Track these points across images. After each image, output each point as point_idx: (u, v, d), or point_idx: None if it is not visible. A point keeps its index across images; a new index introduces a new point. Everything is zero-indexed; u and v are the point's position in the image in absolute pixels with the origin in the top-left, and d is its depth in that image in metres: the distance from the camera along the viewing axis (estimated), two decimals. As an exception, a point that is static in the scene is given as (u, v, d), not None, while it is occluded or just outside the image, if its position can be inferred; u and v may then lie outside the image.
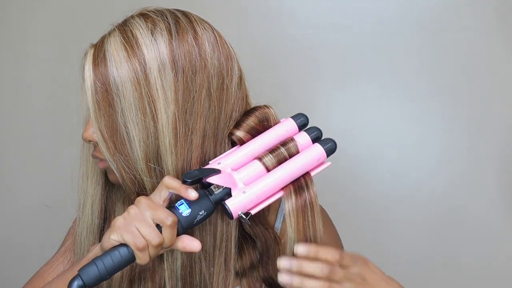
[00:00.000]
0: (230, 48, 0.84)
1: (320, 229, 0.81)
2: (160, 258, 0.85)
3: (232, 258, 0.84)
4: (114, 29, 0.82)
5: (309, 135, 0.83)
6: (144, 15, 0.82)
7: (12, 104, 1.87)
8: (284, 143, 0.82)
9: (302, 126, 0.84)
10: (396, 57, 1.69)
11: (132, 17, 0.83)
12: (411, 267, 1.71)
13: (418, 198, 1.70)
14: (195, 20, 0.83)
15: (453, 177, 1.69)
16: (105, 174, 0.89)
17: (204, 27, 0.82)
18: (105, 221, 0.92)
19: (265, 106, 0.85)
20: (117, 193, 0.91)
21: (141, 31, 0.79)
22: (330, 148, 0.83)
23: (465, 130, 1.68)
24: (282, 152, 0.81)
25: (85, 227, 0.90)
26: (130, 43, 0.79)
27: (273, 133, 0.83)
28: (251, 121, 0.83)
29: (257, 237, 0.87)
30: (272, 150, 0.81)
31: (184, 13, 0.83)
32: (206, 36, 0.81)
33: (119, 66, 0.78)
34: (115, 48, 0.79)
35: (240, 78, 0.85)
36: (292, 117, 0.85)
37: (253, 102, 0.88)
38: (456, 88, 1.67)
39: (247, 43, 1.74)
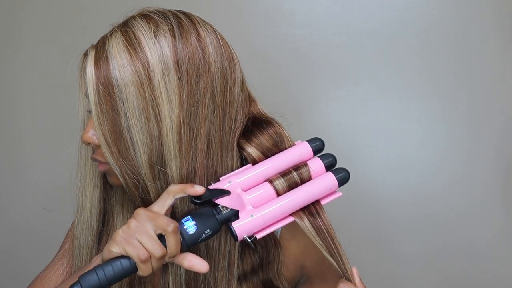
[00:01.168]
0: (232, 50, 0.83)
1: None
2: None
3: (235, 263, 0.84)
4: (115, 30, 0.79)
5: (323, 161, 0.81)
6: (145, 16, 0.80)
7: (8, 107, 1.87)
8: (296, 168, 0.80)
9: (317, 151, 0.83)
10: (396, 57, 1.69)
11: (133, 17, 0.80)
12: (410, 266, 1.71)
13: (417, 198, 1.70)
14: (198, 22, 0.81)
15: (453, 177, 1.69)
16: (104, 176, 0.88)
17: (207, 29, 0.81)
18: (103, 224, 0.91)
19: (279, 125, 0.84)
20: (116, 195, 0.89)
21: (143, 33, 0.77)
22: (343, 178, 0.81)
23: (465, 130, 1.68)
24: (294, 176, 0.79)
25: (84, 230, 0.89)
26: (133, 45, 0.76)
27: (287, 155, 0.81)
28: (265, 140, 0.82)
29: (258, 241, 0.85)
30: (284, 174, 0.79)
31: (186, 15, 0.81)
32: (209, 39, 0.80)
33: (122, 69, 0.76)
34: (117, 50, 0.76)
35: (242, 80, 0.83)
36: (308, 141, 0.83)
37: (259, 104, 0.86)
38: (456, 88, 1.67)
39: (247, 43, 1.74)
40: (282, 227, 0.90)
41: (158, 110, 0.76)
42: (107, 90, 0.76)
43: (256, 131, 0.82)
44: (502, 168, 1.66)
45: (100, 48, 0.78)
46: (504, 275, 1.67)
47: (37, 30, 1.82)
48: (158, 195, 0.79)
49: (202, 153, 0.79)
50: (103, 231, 0.90)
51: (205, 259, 0.77)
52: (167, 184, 0.79)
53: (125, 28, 0.79)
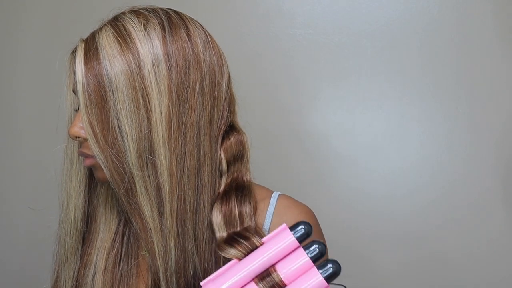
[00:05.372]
0: (220, 49, 0.85)
1: None
2: (152, 255, 0.84)
3: (221, 257, 0.84)
4: (106, 24, 0.82)
5: (308, 254, 0.71)
6: (135, 12, 0.82)
7: (7, 106, 1.87)
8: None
9: (303, 238, 0.74)
10: (396, 57, 1.69)
11: (123, 13, 0.83)
12: (411, 267, 1.70)
13: (418, 198, 1.70)
14: (187, 18, 0.84)
15: (453, 177, 1.68)
16: (88, 176, 0.89)
17: (195, 25, 0.83)
18: (87, 225, 0.91)
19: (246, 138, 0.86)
20: (99, 197, 0.91)
21: (133, 26, 0.79)
22: (332, 273, 0.70)
23: (465, 130, 1.68)
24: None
25: (68, 230, 0.90)
26: (123, 37, 0.78)
27: (268, 251, 0.72)
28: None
29: (243, 235, 0.84)
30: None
31: (175, 11, 0.84)
32: (198, 34, 0.82)
33: (112, 60, 0.77)
34: (107, 42, 0.78)
35: (229, 78, 0.86)
36: (291, 228, 0.73)
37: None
38: (456, 88, 1.67)
39: (247, 43, 1.74)
40: (270, 225, 0.90)
41: (148, 99, 0.77)
42: (97, 80, 0.77)
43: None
44: (502, 168, 1.66)
45: (90, 41, 0.80)
46: (505, 276, 1.67)
47: (37, 30, 1.83)
48: (144, 185, 0.79)
49: (191, 143, 0.80)
50: (86, 232, 0.91)
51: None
52: (155, 173, 0.79)
53: (115, 22, 0.81)
